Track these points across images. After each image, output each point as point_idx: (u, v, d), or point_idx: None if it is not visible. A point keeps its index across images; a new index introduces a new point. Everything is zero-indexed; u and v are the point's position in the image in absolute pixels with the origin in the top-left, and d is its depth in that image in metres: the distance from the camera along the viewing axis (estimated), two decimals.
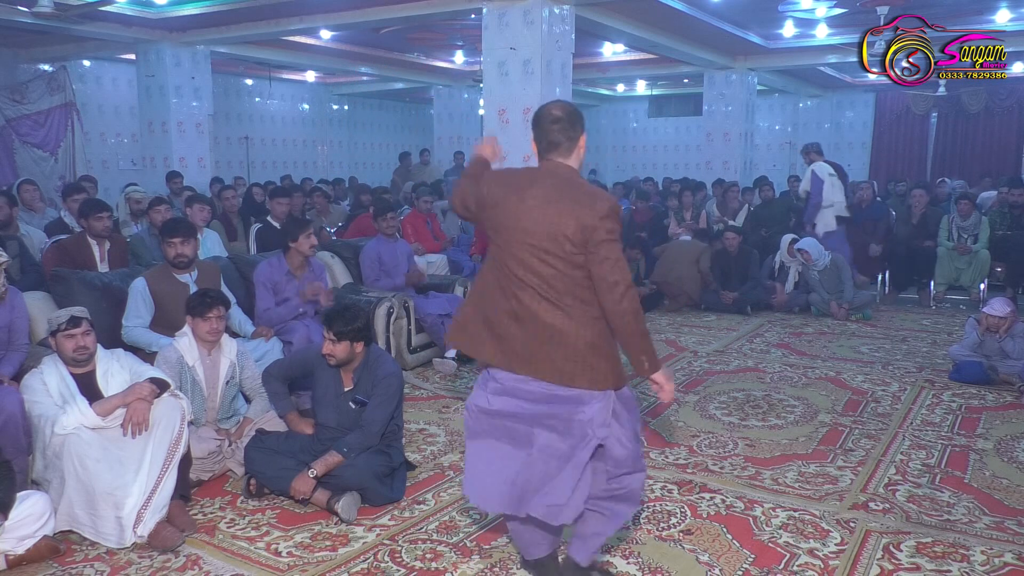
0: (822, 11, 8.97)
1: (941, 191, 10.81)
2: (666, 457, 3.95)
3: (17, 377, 3.48)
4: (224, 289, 4.50)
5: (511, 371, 2.48)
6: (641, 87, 16.51)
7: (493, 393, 2.52)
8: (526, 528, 2.67)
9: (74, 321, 3.24)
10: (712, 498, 3.47)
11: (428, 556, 2.99)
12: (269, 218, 6.63)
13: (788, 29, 10.25)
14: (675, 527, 3.20)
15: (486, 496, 2.57)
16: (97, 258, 5.02)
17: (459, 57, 12.62)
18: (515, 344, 2.45)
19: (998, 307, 5.14)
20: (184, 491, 3.33)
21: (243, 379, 3.89)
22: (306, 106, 15.99)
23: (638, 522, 3.24)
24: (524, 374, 2.46)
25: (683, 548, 3.03)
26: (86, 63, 11.99)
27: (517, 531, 2.71)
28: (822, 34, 10.01)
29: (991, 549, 3.02)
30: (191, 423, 3.38)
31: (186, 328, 3.75)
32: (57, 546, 2.98)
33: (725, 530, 3.17)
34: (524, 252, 2.40)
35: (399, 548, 3.06)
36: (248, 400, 3.95)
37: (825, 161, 8.34)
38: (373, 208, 6.44)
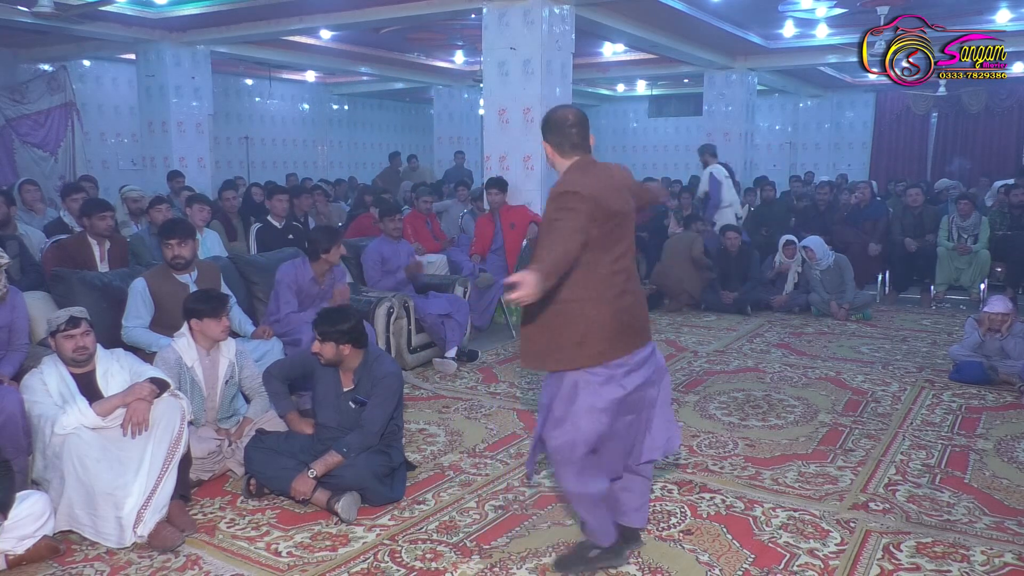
0: (822, 11, 8.98)
1: (944, 195, 10.78)
2: (666, 457, 3.95)
3: (17, 377, 3.48)
4: (224, 289, 4.51)
5: (637, 350, 2.70)
6: (641, 87, 16.51)
7: (625, 374, 2.68)
8: (606, 513, 2.82)
9: (73, 321, 3.24)
10: (712, 498, 3.47)
11: (428, 556, 2.99)
12: (269, 217, 6.64)
13: (788, 29, 10.25)
14: (675, 527, 3.20)
15: (613, 471, 2.81)
16: (97, 258, 5.02)
17: (459, 57, 12.63)
18: (635, 324, 2.72)
19: (998, 305, 5.14)
20: (184, 491, 3.33)
21: (242, 378, 3.89)
22: (306, 106, 16.00)
23: None
24: (642, 343, 2.74)
25: (683, 548, 3.03)
26: (86, 63, 11.99)
27: (600, 520, 2.81)
28: (822, 34, 10.01)
29: (991, 549, 3.02)
30: (191, 423, 3.38)
31: (184, 329, 3.75)
32: (57, 546, 2.98)
33: (725, 530, 3.17)
34: (627, 231, 2.70)
35: (399, 548, 3.06)
36: (248, 400, 3.95)
37: (719, 163, 8.99)
38: (379, 209, 6.46)
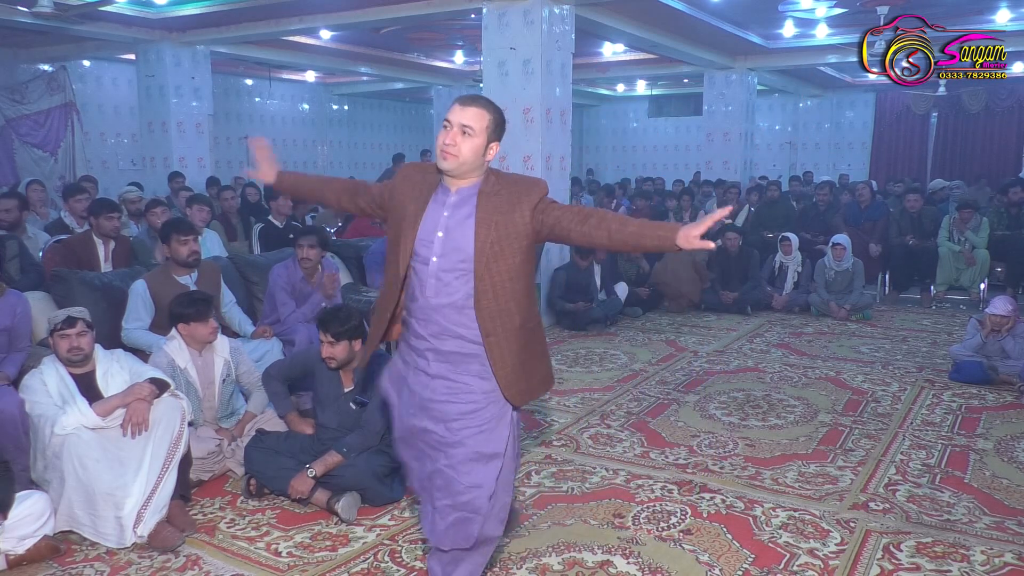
0: (822, 11, 8.96)
1: (941, 194, 10.74)
2: (666, 457, 3.95)
3: (18, 376, 3.48)
4: (224, 289, 4.51)
5: None
6: (641, 87, 16.50)
7: None
8: None
9: (69, 321, 3.23)
10: (712, 498, 3.47)
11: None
12: (270, 217, 6.64)
13: (788, 29, 10.24)
14: (675, 527, 3.20)
15: None
16: (101, 257, 5.01)
17: (459, 57, 12.62)
18: None
19: (1000, 306, 5.14)
20: (184, 491, 3.33)
21: (239, 375, 3.89)
22: (306, 106, 15.99)
23: (638, 522, 3.24)
24: None
25: (683, 548, 3.03)
26: (86, 63, 11.97)
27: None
28: (822, 34, 10.00)
29: (991, 549, 3.02)
30: (190, 424, 3.38)
31: (174, 332, 3.74)
32: (57, 546, 2.98)
33: (725, 530, 3.17)
34: None
35: (399, 548, 3.06)
36: (247, 396, 3.95)
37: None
38: None
